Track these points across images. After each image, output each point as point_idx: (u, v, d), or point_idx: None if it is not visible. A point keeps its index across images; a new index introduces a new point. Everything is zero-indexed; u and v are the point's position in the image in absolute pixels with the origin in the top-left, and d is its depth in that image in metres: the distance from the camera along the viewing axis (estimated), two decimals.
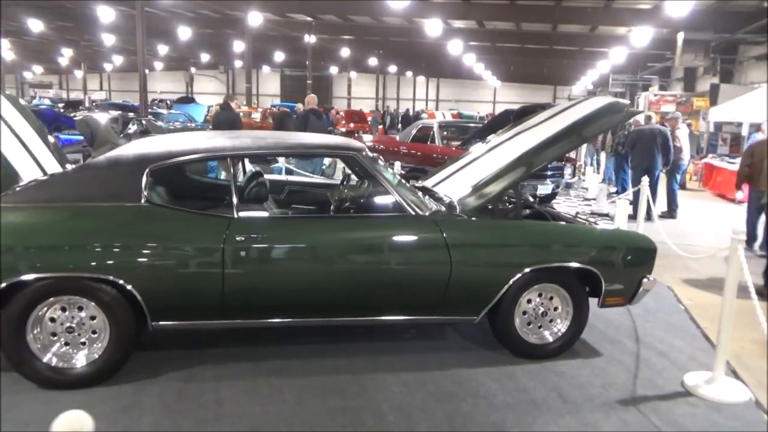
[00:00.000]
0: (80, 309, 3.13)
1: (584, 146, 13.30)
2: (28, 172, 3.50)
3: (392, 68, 41.32)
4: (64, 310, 3.12)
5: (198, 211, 3.25)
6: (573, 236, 3.67)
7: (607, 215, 8.81)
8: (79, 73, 51.96)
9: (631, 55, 23.01)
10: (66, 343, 3.15)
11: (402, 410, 3.05)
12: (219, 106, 9.08)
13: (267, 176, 5.39)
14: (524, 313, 3.67)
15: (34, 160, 3.66)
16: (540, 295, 3.68)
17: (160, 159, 3.23)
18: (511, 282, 3.47)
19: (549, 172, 8.69)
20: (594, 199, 9.97)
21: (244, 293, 3.22)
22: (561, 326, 3.73)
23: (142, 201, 3.14)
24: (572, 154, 11.54)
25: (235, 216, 3.24)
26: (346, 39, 30.63)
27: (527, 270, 3.48)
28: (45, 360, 3.07)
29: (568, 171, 9.09)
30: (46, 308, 3.08)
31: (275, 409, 3.02)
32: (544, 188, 8.64)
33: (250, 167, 5.97)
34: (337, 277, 3.31)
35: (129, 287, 3.06)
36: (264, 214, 3.55)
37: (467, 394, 3.23)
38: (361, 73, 45.17)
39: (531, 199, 4.96)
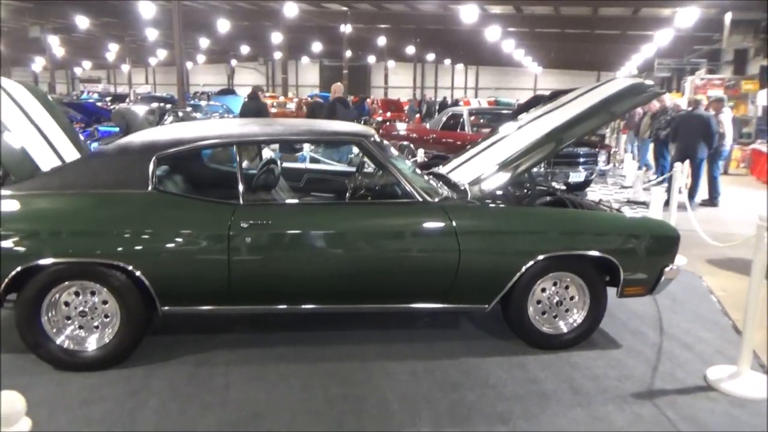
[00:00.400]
0: (93, 294, 3.21)
1: (618, 134, 12.88)
2: (46, 162, 3.58)
3: (430, 56, 40.96)
4: (77, 294, 3.21)
5: (204, 198, 3.26)
6: (589, 224, 3.54)
7: (643, 203, 8.52)
8: (125, 68, 53.60)
9: (677, 38, 22.12)
10: (80, 327, 3.24)
11: (406, 399, 3.01)
12: (247, 96, 9.19)
13: (286, 164, 5.42)
14: (538, 302, 3.57)
15: (53, 151, 3.74)
16: (555, 284, 3.57)
17: (167, 147, 3.26)
18: (522, 270, 3.38)
19: (581, 159, 8.44)
20: (631, 187, 9.65)
21: (249, 279, 3.23)
22: (577, 316, 3.61)
23: (149, 188, 3.18)
24: (607, 140, 11.18)
25: (241, 203, 3.25)
26: (382, 28, 30.50)
27: (540, 258, 3.38)
28: (58, 342, 3.16)
29: (602, 158, 8.80)
30: (59, 293, 3.16)
31: (280, 395, 3.03)
32: (577, 176, 8.41)
33: (269, 154, 6.02)
34: (341, 263, 3.28)
35: (137, 273, 3.11)
36: (271, 201, 3.54)
37: (475, 384, 3.17)
38: (399, 62, 44.99)
39: (556, 186, 4.81)
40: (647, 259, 3.54)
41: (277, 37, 31.63)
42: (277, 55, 48.23)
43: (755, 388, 3.13)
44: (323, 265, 3.28)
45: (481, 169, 3.82)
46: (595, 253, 3.44)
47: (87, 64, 54.87)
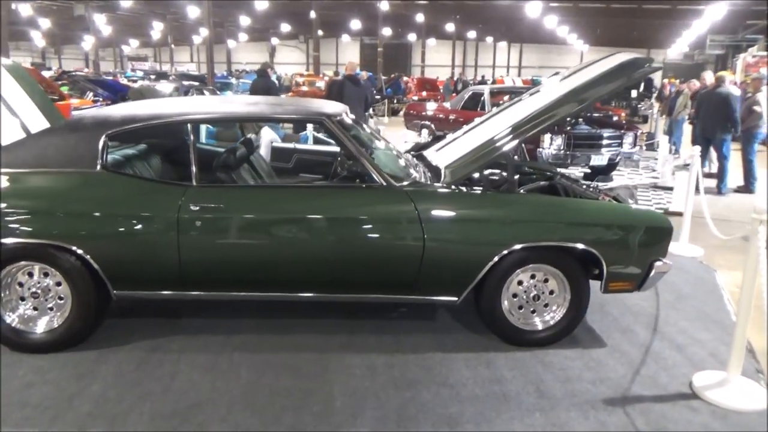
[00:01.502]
0: (46, 275, 3.15)
1: (658, 116, 12.19)
2: (12, 139, 3.53)
3: (471, 34, 40.01)
4: (30, 275, 3.15)
5: (154, 178, 3.13)
6: (569, 213, 3.25)
7: (671, 189, 8.01)
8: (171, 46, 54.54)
9: (731, 13, 20.80)
10: (34, 308, 3.18)
11: (355, 395, 2.84)
12: (256, 73, 9.06)
13: (277, 144, 5.27)
14: (514, 295, 3.33)
15: (23, 129, 3.69)
16: (533, 277, 3.31)
17: (119, 124, 3.14)
18: (493, 261, 3.13)
19: (604, 142, 7.99)
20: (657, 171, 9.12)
21: (200, 264, 3.11)
22: (557, 312, 3.35)
23: (98, 167, 3.07)
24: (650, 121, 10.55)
25: (194, 184, 3.11)
26: (421, 4, 29.89)
27: (513, 248, 3.13)
28: (8, 321, 3.12)
29: (628, 140, 8.29)
30: (12, 273, 3.11)
31: (225, 386, 2.90)
32: (599, 159, 7.97)
33: (271, 135, 5.87)
34: (293, 250, 3.11)
35: (86, 256, 3.02)
36: (228, 183, 3.39)
37: (433, 382, 2.97)
38: (441, 40, 44.15)
39: (557, 171, 4.49)
40: (635, 253, 3.24)
41: (315, 14, 31.46)
42: (318, 33, 48.19)
43: (743, 398, 2.82)
44: (275, 251, 3.12)
45: (459, 152, 3.57)
46: (574, 244, 3.16)
47: (134, 43, 56.01)
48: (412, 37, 43.12)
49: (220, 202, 3.07)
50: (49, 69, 31.42)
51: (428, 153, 4.13)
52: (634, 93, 18.00)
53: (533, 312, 3.36)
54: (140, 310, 3.69)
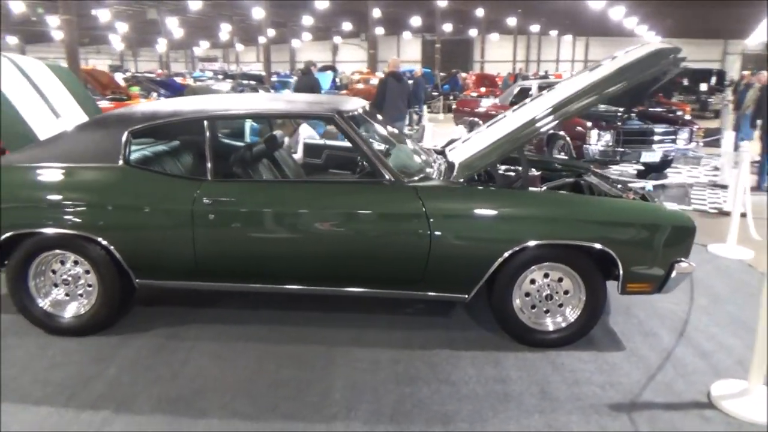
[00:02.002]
0: (76, 263, 3.35)
1: (729, 110, 11.50)
2: (49, 135, 3.76)
3: (535, 27, 39.07)
4: (62, 263, 3.36)
5: (172, 173, 3.27)
6: (583, 210, 3.14)
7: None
8: (239, 47, 56.30)
9: None
10: (66, 294, 3.40)
11: (354, 388, 2.86)
12: (301, 71, 9.21)
13: (308, 141, 5.36)
14: (527, 294, 3.25)
15: (63, 124, 3.93)
16: (546, 276, 3.23)
17: (140, 121, 3.29)
18: (502, 258, 3.08)
19: (656, 138, 7.63)
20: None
21: (213, 256, 3.22)
22: (571, 313, 3.25)
23: (120, 162, 3.24)
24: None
25: (209, 179, 3.23)
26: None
27: (524, 246, 3.06)
28: (41, 305, 3.34)
29: (683, 136, 7.87)
30: (46, 261, 3.33)
31: (231, 374, 3.00)
32: (651, 155, 7.62)
33: (308, 132, 5.97)
34: (302, 244, 3.17)
35: (109, 246, 3.20)
36: (243, 178, 3.47)
37: (435, 379, 2.95)
38: (504, 35, 43.38)
39: (589, 168, 4.34)
40: (654, 253, 3.10)
41: (375, 12, 31.64)
42: (379, 31, 48.40)
43: (762, 410, 2.64)
44: (282, 244, 3.18)
45: (474, 148, 3.52)
46: (587, 243, 3.06)
47: (205, 44, 58.13)
48: (473, 32, 42.57)
49: (231, 196, 3.16)
50: (126, 71, 33.22)
51: (449, 149, 4.10)
52: (704, 86, 17.07)
53: (546, 312, 3.28)
54: (164, 299, 3.85)
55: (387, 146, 3.84)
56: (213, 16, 40.11)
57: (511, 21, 34.51)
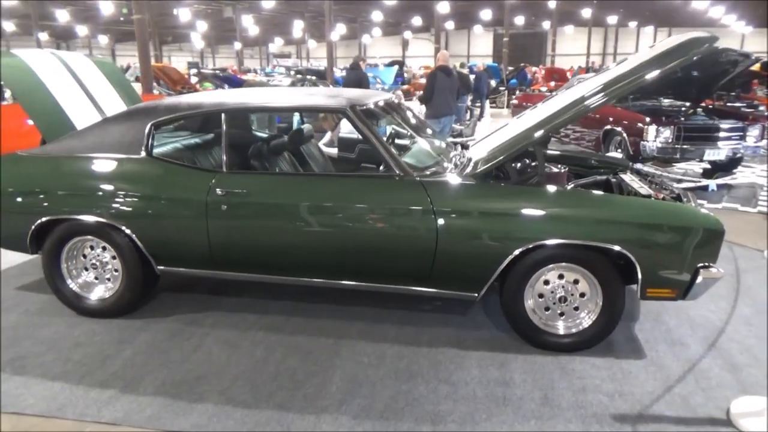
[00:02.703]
0: (104, 249, 3.53)
1: None
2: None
3: (612, 19, 37.44)
4: (92, 248, 3.55)
5: (190, 164, 3.37)
6: (598, 209, 2.97)
7: None
8: (311, 43, 57.39)
9: None
10: (95, 278, 3.59)
11: (352, 382, 2.86)
12: (349, 67, 9.25)
13: (343, 135, 5.39)
14: (540, 295, 3.14)
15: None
16: (561, 277, 3.10)
17: (163, 113, 3.41)
18: (511, 257, 2.98)
19: (722, 134, 7.12)
20: None
21: (226, 246, 3.30)
22: (587, 318, 3.11)
23: (143, 154, 3.38)
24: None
25: (224, 170, 3.31)
26: None
27: (535, 244, 2.95)
28: (70, 285, 3.56)
29: (753, 132, 7.29)
30: (77, 246, 3.53)
31: (237, 361, 3.07)
32: (715, 153, 7.12)
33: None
34: (310, 236, 3.19)
35: (131, 234, 3.35)
36: (258, 170, 3.53)
37: (435, 377, 2.90)
38: (580, 27, 41.89)
39: (629, 165, 4.12)
40: (676, 256, 2.90)
41: (443, 7, 31.36)
42: (449, 25, 47.96)
43: None
44: (291, 236, 3.21)
45: (493, 143, 3.42)
46: (602, 244, 2.90)
47: (279, 41, 59.70)
48: (547, 25, 41.35)
49: (242, 187, 3.23)
50: (203, 69, 34.62)
51: (473, 144, 4.01)
52: None
53: (561, 315, 3.14)
54: (190, 286, 3.99)
55: (410, 140, 3.80)
56: (286, 13, 41.11)
57: (586, 12, 33.21)
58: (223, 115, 3.36)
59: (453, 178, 3.16)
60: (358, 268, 3.23)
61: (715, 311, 3.66)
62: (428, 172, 3.21)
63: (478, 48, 51.52)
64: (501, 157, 3.14)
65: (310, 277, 3.32)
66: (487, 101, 16.65)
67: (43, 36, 49.47)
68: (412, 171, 3.15)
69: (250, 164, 3.57)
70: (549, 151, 4.26)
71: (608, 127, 7.86)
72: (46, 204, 3.42)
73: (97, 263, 3.56)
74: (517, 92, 20.68)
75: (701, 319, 3.54)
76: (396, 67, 21.86)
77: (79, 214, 3.38)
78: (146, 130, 3.38)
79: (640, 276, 2.93)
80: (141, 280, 3.48)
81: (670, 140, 7.05)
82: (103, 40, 51.10)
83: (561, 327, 3.13)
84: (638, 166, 4.40)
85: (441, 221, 3.02)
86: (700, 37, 3.07)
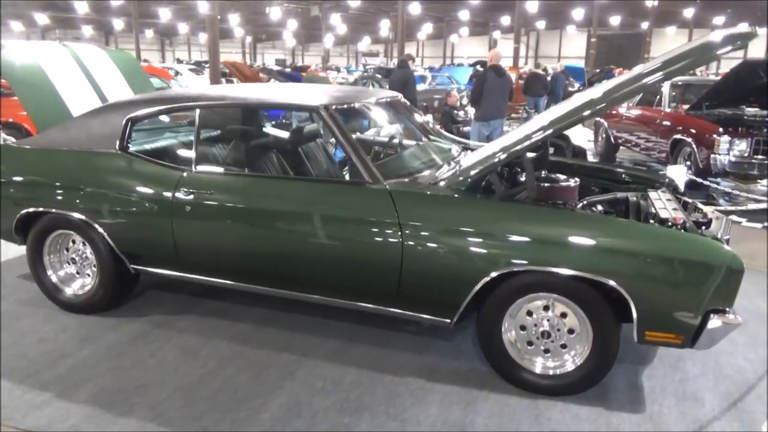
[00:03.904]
0: (84, 244, 3.47)
1: None
2: None
3: (718, 19, 34.65)
4: (73, 242, 3.51)
5: (161, 162, 3.22)
6: (593, 233, 2.51)
7: None
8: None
9: None
10: (77, 272, 3.55)
11: (292, 409, 2.59)
12: (397, 65, 8.91)
13: (360, 136, 5.13)
14: (522, 328, 2.73)
15: None
16: (546, 309, 2.67)
17: (141, 108, 3.29)
18: (483, 282, 2.59)
19: None
20: None
21: (191, 248, 3.13)
22: (571, 360, 2.66)
23: (116, 149, 3.27)
24: None
25: (193, 170, 3.14)
26: None
27: (510, 270, 2.55)
28: (50, 277, 3.54)
29: None
30: (59, 239, 3.50)
31: (187, 372, 2.88)
32: None
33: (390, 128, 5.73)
34: (270, 243, 2.95)
35: (101, 230, 3.26)
36: (227, 171, 3.32)
37: (384, 413, 2.57)
38: (682, 29, 39.14)
39: (665, 181, 3.58)
40: (684, 296, 2.40)
41: (532, 6, 30.31)
42: (540, 25, 46.38)
43: None
44: (255, 243, 2.99)
45: (484, 151, 3.03)
46: (589, 274, 2.46)
47: (367, 40, 60.29)
48: (646, 25, 38.92)
49: (205, 188, 3.05)
50: (287, 67, 35.51)
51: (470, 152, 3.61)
52: None
53: (547, 352, 2.72)
54: (177, 285, 3.86)
55: (413, 142, 3.49)
56: (374, 12, 41.34)
57: (689, 12, 30.89)
58: (197, 111, 3.20)
59: (428, 188, 2.81)
60: (323, 281, 2.95)
61: (753, 360, 3.07)
62: (406, 180, 2.88)
63: (570, 49, 49.47)
64: (480, 168, 2.75)
65: (273, 287, 3.08)
66: None
67: (149, 33, 53.00)
68: (383, 178, 2.83)
69: (220, 163, 3.38)
70: (569, 162, 3.79)
71: (677, 136, 7.08)
72: (27, 196, 3.41)
73: (77, 258, 3.51)
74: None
75: (731, 370, 2.97)
76: (471, 67, 21.17)
77: (57, 208, 3.33)
78: (122, 125, 3.28)
79: (635, 315, 2.46)
80: (114, 278, 3.39)
81: (746, 154, 6.22)
82: (203, 37, 53.89)
83: (538, 366, 2.70)
84: (704, 180, 3.81)
85: (407, 235, 2.68)
86: (710, 43, 2.54)
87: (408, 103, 3.94)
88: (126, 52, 4.91)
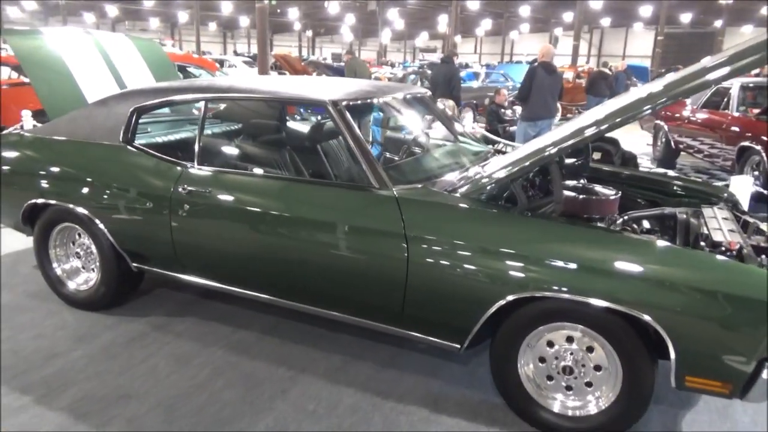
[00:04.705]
0: (89, 238, 3.34)
1: None
2: None
3: None
4: (80, 236, 3.39)
5: (163, 156, 3.04)
6: (624, 258, 2.15)
7: None
8: (457, 38, 56.69)
9: None
10: (82, 267, 3.44)
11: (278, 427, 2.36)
12: (441, 60, 8.54)
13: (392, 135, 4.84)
14: (542, 360, 2.39)
15: None
16: (570, 341, 2.33)
17: (146, 99, 3.12)
18: (497, 305, 2.28)
19: None
20: None
21: (188, 248, 2.94)
22: (594, 401, 2.31)
23: (120, 140, 3.11)
24: None
25: (195, 165, 2.94)
26: None
27: (527, 295, 2.22)
28: (56, 270, 3.44)
29: None
30: (64, 232, 3.39)
31: (176, 383, 2.69)
32: None
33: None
34: (268, 248, 2.72)
35: (101, 225, 3.12)
36: (231, 168, 3.09)
37: None
38: (760, 27, 36.76)
39: (727, 196, 3.16)
40: (732, 337, 2.01)
41: (596, 3, 29.15)
42: (605, 22, 44.65)
43: None
44: (250, 246, 2.77)
45: (509, 157, 2.69)
46: (619, 306, 2.10)
47: (425, 36, 59.73)
48: (720, 23, 36.78)
49: (204, 186, 2.84)
50: (342, 61, 35.48)
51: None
52: None
53: (569, 390, 2.37)
54: (182, 285, 3.69)
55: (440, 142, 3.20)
56: (432, 7, 40.83)
57: (766, 10, 28.94)
58: (203, 104, 3.00)
59: (442, 196, 2.50)
60: (321, 293, 2.70)
61: None
62: (419, 186, 2.58)
63: (636, 47, 47.43)
64: (504, 174, 2.42)
65: (271, 294, 2.85)
66: None
67: (212, 26, 54.24)
68: (394, 183, 2.54)
69: (229, 160, 3.17)
70: (614, 170, 3.40)
71: (745, 143, 6.45)
72: (32, 187, 3.30)
73: (81, 252, 3.39)
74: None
75: None
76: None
77: (59, 201, 3.22)
78: (127, 116, 3.12)
79: (673, 357, 2.08)
80: (116, 276, 3.25)
81: None
82: None
83: (557, 405, 2.36)
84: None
85: (413, 249, 2.39)
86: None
87: (433, 101, 3.63)
88: (153, 41, 4.80)
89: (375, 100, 3.01)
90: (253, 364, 2.87)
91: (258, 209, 2.72)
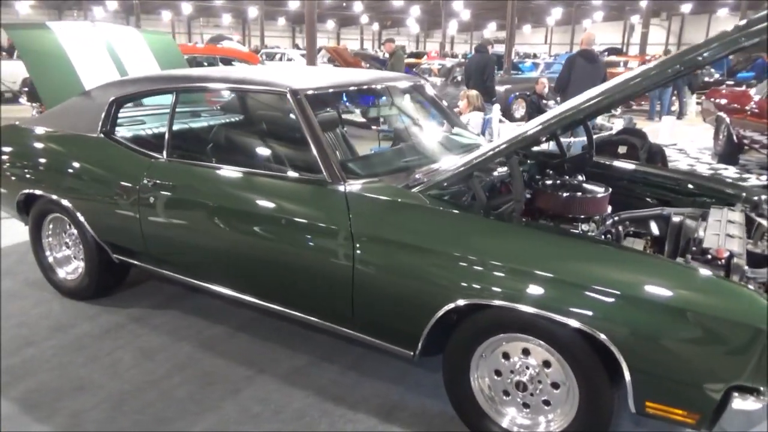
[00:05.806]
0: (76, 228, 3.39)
1: None
2: None
3: None
4: (69, 226, 3.44)
5: (136, 148, 3.01)
6: (579, 264, 1.90)
7: None
8: (526, 29, 55.32)
9: None
10: (74, 257, 3.50)
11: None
12: (475, 49, 8.16)
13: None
14: (497, 373, 2.18)
15: None
16: (526, 354, 2.11)
17: (125, 90, 3.11)
18: (442, 311, 2.09)
19: None
20: None
21: (156, 239, 2.91)
22: (544, 423, 2.08)
23: (98, 132, 3.12)
24: None
25: (163, 158, 2.90)
26: None
27: (476, 302, 2.02)
28: (48, 258, 3.51)
29: None
30: (54, 222, 3.45)
31: (134, 378, 2.66)
32: None
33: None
34: (224, 242, 2.64)
35: (81, 217, 3.14)
36: (200, 161, 3.00)
37: None
38: None
39: (745, 195, 2.80)
40: (699, 363, 1.74)
41: None
42: (686, 8, 42.01)
43: None
44: (210, 240, 2.70)
45: (489, 146, 2.47)
46: (564, 317, 1.86)
47: (492, 26, 58.48)
48: None
49: (168, 178, 2.79)
50: (405, 54, 35.30)
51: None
52: None
53: (526, 407, 2.15)
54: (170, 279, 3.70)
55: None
56: None
57: None
58: (174, 94, 2.95)
59: (395, 192, 2.32)
60: (277, 289, 2.60)
61: None
62: (375, 181, 2.41)
63: None
64: (462, 170, 2.21)
65: (232, 290, 2.76)
66: (693, 97, 13.96)
67: (281, 21, 55.39)
68: (349, 177, 2.39)
69: (201, 152, 3.11)
70: (627, 167, 3.11)
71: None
72: (23, 177, 3.38)
73: (70, 242, 3.44)
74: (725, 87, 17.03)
75: None
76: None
77: (45, 192, 3.27)
78: (106, 108, 3.12)
79: (628, 378, 1.83)
80: (99, 267, 3.27)
81: None
82: (330, 24, 55.37)
83: (505, 422, 2.14)
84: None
85: (360, 247, 2.23)
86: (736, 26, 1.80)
87: (429, 90, 3.43)
88: (164, 34, 4.83)
89: (347, 90, 2.86)
90: (215, 362, 2.80)
91: (214, 203, 2.65)
